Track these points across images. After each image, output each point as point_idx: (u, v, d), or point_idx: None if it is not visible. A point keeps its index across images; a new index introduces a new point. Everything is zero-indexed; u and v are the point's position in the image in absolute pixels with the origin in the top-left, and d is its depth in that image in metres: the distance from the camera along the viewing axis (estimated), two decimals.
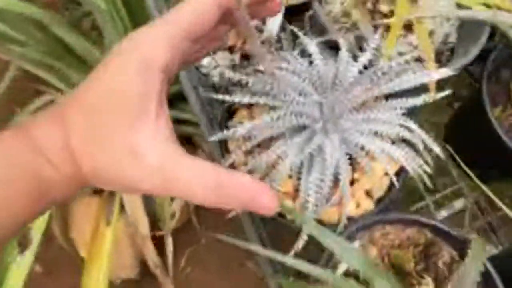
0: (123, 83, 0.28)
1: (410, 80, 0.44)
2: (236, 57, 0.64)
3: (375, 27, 0.55)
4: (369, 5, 0.58)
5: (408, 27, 0.57)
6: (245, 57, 0.64)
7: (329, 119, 0.44)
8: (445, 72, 0.44)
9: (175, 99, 1.36)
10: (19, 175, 0.26)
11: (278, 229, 0.62)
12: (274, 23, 0.64)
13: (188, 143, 1.42)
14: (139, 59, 0.28)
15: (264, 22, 0.66)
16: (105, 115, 0.27)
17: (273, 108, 0.44)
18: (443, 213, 0.73)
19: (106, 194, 1.21)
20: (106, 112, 0.27)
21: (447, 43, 0.60)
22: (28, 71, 1.43)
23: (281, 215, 0.47)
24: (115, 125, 0.27)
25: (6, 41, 1.14)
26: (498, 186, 0.65)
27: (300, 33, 0.48)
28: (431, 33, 0.60)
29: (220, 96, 0.45)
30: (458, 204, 0.72)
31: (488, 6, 0.53)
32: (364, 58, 0.47)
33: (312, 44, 0.47)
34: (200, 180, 0.28)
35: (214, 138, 0.44)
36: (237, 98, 0.43)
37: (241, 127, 0.43)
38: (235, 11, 0.34)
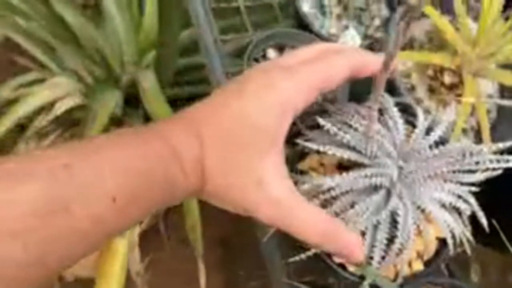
0: (264, 121, 0.33)
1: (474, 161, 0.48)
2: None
3: (436, 97, 0.59)
4: (430, 72, 0.62)
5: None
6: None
7: (405, 184, 0.47)
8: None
9: (180, 104, 1.34)
10: (162, 175, 0.30)
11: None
12: None
13: None
14: (281, 103, 0.33)
15: None
16: (241, 143, 0.32)
17: (359, 165, 0.46)
18: None
19: None
20: (243, 141, 0.32)
21: (490, 118, 0.65)
22: (10, 40, 1.34)
23: (343, 265, 0.49)
24: (249, 154, 0.32)
25: (12, 12, 1.06)
26: None
27: (385, 94, 0.50)
28: (473, 110, 0.65)
29: (306, 144, 0.46)
30: None
31: None
32: (437, 132, 0.50)
33: (396, 110, 0.49)
34: (314, 223, 0.34)
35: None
36: (330, 151, 0.44)
37: (328, 179, 0.44)
38: (377, 73, 0.36)
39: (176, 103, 1.34)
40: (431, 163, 0.46)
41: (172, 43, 1.01)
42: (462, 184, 0.50)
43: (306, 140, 0.47)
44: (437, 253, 0.53)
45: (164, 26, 0.98)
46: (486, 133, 0.54)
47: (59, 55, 1.30)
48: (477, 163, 0.48)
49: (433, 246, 0.53)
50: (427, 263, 0.52)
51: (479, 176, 0.50)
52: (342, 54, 0.37)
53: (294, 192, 0.34)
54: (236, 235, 1.37)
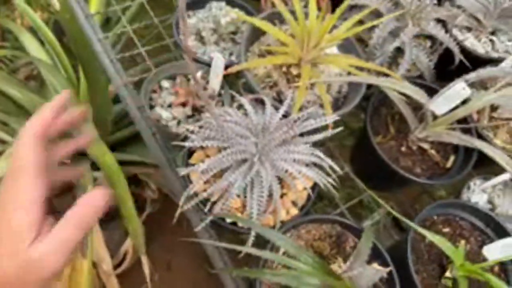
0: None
1: (312, 124, 0.66)
2: (188, 110, 0.82)
3: (289, 85, 0.78)
4: (284, 69, 0.80)
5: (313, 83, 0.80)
6: (196, 110, 0.83)
7: (263, 153, 0.64)
8: (333, 117, 0.67)
9: (122, 145, 1.50)
10: None
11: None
12: (215, 84, 0.83)
13: (135, 181, 1.54)
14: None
15: (207, 82, 0.86)
16: None
17: (222, 148, 0.63)
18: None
19: None
20: None
21: (341, 92, 0.84)
22: None
23: (234, 223, 0.65)
24: None
25: None
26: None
27: (236, 94, 0.68)
28: (329, 87, 0.84)
29: (181, 143, 0.63)
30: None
31: (361, 69, 0.78)
32: (282, 109, 0.68)
33: (246, 101, 0.67)
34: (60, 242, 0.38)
35: (183, 172, 0.62)
36: (196, 143, 0.61)
37: (202, 164, 0.60)
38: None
39: (122, 144, 1.51)
40: (275, 134, 0.64)
41: (101, 97, 1.18)
42: (309, 143, 0.67)
43: (189, 141, 0.64)
44: (309, 199, 0.70)
45: (92, 86, 1.14)
46: (327, 104, 0.72)
47: (12, 127, 1.44)
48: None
49: (304, 195, 0.70)
50: (302, 208, 0.69)
51: (318, 136, 0.68)
52: (24, 132, 0.43)
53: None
54: None
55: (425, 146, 0.84)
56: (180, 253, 1.65)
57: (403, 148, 0.84)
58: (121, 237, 1.44)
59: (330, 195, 0.81)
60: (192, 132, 0.65)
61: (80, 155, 1.31)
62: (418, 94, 0.75)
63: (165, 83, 0.86)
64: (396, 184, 0.89)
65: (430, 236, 0.65)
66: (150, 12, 1.07)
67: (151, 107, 0.83)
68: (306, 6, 0.82)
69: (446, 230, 0.78)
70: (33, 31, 1.44)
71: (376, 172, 0.87)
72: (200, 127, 0.65)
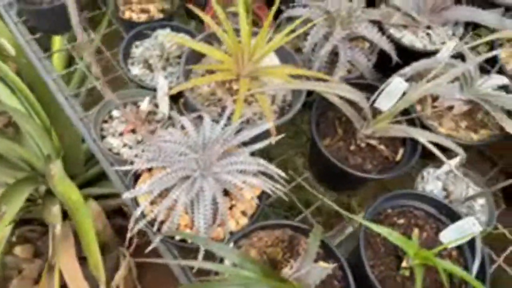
0: None
1: (249, 133, 0.68)
2: (139, 136, 0.84)
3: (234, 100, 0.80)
4: (227, 85, 0.83)
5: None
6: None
7: (204, 168, 0.66)
8: (270, 125, 0.69)
9: (98, 179, 1.51)
10: None
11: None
12: (164, 107, 0.86)
13: (121, 213, 1.55)
14: None
15: (157, 106, 0.88)
16: None
17: (163, 168, 0.65)
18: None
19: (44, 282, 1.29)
20: None
21: (286, 101, 0.87)
22: None
23: (184, 241, 0.66)
24: None
25: None
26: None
27: (174, 114, 0.70)
28: (273, 98, 0.87)
29: (124, 167, 0.65)
30: None
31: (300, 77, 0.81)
32: (221, 123, 0.70)
33: (185, 120, 0.69)
34: None
35: (126, 196, 0.63)
36: (136, 166, 0.63)
37: (143, 186, 0.62)
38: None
39: (98, 179, 1.52)
40: (214, 147, 0.66)
41: (69, 136, 1.21)
42: (252, 152, 0.70)
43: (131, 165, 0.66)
44: (258, 207, 0.71)
45: (57, 126, 1.17)
46: (267, 113, 0.74)
47: None
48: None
49: (253, 204, 0.72)
50: (252, 217, 0.71)
51: (260, 145, 0.70)
52: None
53: None
54: None
55: (373, 142, 0.86)
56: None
57: (352, 147, 0.86)
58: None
59: (293, 201, 0.83)
60: (136, 156, 0.67)
61: (50, 194, 1.32)
62: (354, 95, 0.78)
63: (115, 113, 0.88)
64: (350, 183, 0.91)
65: (376, 228, 0.67)
66: (102, 47, 1.11)
67: (103, 137, 0.85)
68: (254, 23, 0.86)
69: (401, 221, 0.79)
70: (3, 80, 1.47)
71: (329, 174, 0.89)
72: (143, 150, 0.67)
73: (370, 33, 0.86)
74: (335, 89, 0.77)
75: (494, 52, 0.88)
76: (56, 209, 1.28)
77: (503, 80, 0.89)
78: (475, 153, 1.04)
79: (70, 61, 1.46)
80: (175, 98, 0.88)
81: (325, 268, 0.59)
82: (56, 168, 1.19)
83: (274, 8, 0.78)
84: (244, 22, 0.81)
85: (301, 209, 0.92)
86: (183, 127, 0.71)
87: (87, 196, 1.35)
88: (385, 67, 0.96)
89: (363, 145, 0.86)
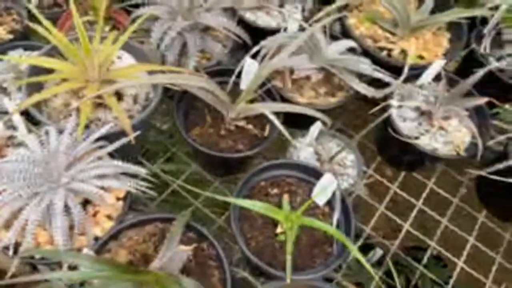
0: None
1: (95, 136, 0.68)
2: None
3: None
4: (80, 94, 0.82)
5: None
6: None
7: (52, 181, 0.64)
8: (126, 125, 0.69)
9: None
10: None
11: None
12: (22, 129, 0.82)
13: None
14: None
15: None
16: None
17: (4, 190, 0.62)
18: None
19: None
20: None
21: (149, 99, 0.87)
22: None
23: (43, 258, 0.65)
24: None
25: None
26: None
27: (21, 132, 0.68)
28: (136, 97, 0.87)
29: None
30: None
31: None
32: (66, 133, 0.69)
33: (29, 137, 0.67)
34: None
35: None
36: None
37: None
38: None
39: None
40: (60, 156, 0.65)
41: None
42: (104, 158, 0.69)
43: None
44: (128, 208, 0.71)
45: None
46: (119, 113, 0.74)
47: None
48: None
49: (118, 206, 0.72)
50: (119, 219, 0.71)
51: (113, 146, 0.70)
52: None
53: None
54: None
55: (241, 123, 0.89)
56: None
57: (222, 132, 0.89)
58: None
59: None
60: None
61: None
62: (205, 84, 0.80)
63: None
64: (229, 166, 0.94)
65: (241, 202, 0.70)
66: None
67: None
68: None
69: (275, 191, 0.83)
70: None
71: (208, 161, 0.91)
72: None
73: (215, 21, 0.89)
74: (186, 80, 0.79)
75: (329, 18, 0.94)
76: None
77: (349, 43, 0.97)
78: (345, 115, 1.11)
79: None
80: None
81: (184, 250, 0.61)
82: None
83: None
84: (81, 27, 0.80)
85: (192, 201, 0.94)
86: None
87: None
88: (245, 50, 1.00)
89: (232, 128, 0.89)
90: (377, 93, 0.92)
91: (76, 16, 0.79)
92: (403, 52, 1.05)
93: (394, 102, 0.93)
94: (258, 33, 1.00)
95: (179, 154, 1.02)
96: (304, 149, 0.95)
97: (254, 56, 0.90)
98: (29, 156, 0.66)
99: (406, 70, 0.94)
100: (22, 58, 0.87)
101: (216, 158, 0.86)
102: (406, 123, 0.94)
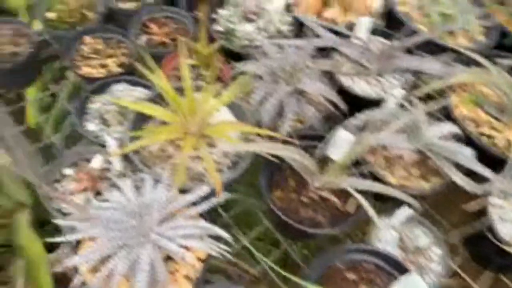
0: None
1: (190, 198, 0.68)
2: (90, 194, 0.84)
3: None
4: (177, 141, 0.84)
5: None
6: (98, 193, 0.85)
7: (142, 235, 0.66)
8: (217, 186, 0.69)
9: None
10: None
11: None
12: (116, 164, 0.86)
13: None
14: None
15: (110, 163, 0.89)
16: None
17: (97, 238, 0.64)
18: None
19: None
20: None
21: (239, 154, 0.87)
22: None
23: None
24: None
25: None
26: None
27: (117, 178, 0.71)
28: (226, 153, 0.87)
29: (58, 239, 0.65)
30: None
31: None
32: (160, 186, 0.70)
33: (125, 183, 0.70)
34: None
35: (65, 263, 0.63)
36: (68, 237, 0.62)
37: (77, 257, 0.62)
38: None
39: None
40: (155, 211, 0.66)
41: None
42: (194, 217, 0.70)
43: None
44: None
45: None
46: (211, 172, 0.75)
47: None
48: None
49: (198, 267, 0.71)
50: (197, 280, 0.70)
51: (205, 206, 0.70)
52: None
53: None
54: None
55: (325, 194, 0.86)
56: None
57: (304, 199, 0.87)
58: None
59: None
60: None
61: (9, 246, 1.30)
62: (296, 154, 0.79)
63: (68, 171, 0.88)
64: (305, 235, 0.91)
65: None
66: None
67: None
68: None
69: (352, 276, 0.78)
70: None
71: (283, 226, 0.89)
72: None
73: (312, 87, 0.88)
74: (278, 150, 0.78)
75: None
76: (22, 262, 1.26)
77: (450, 127, 0.91)
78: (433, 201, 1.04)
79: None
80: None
81: None
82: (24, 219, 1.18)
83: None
84: (188, 78, 0.83)
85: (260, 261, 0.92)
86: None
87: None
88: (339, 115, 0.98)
89: (315, 197, 0.87)
90: (476, 188, 0.85)
91: (184, 68, 0.82)
92: (508, 142, 0.96)
93: (494, 199, 0.85)
94: (355, 101, 0.98)
95: (254, 210, 1.01)
96: (386, 231, 0.89)
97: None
98: (125, 205, 0.68)
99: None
100: (125, 101, 0.91)
101: (284, 225, 0.83)
102: (506, 225, 0.85)
